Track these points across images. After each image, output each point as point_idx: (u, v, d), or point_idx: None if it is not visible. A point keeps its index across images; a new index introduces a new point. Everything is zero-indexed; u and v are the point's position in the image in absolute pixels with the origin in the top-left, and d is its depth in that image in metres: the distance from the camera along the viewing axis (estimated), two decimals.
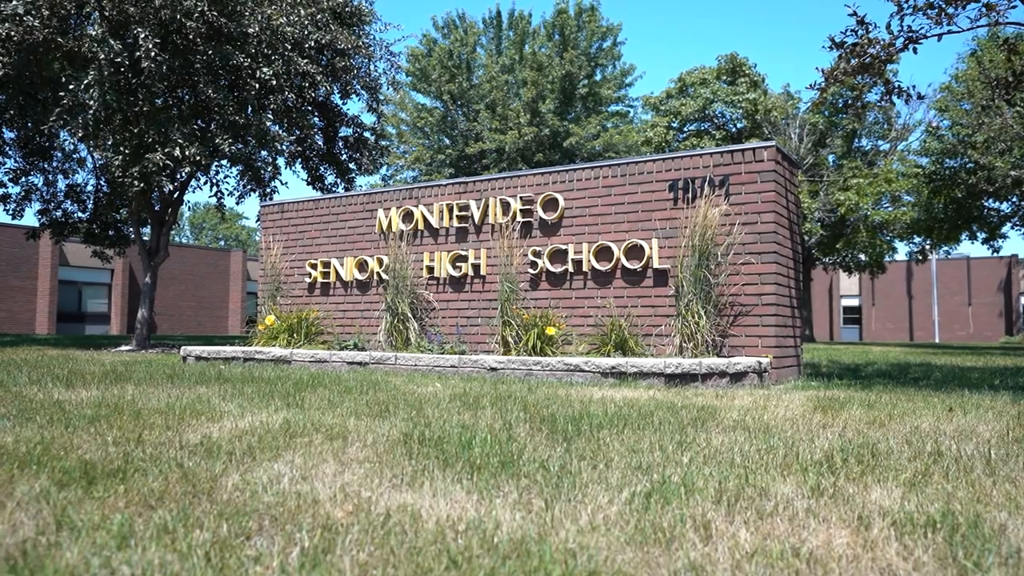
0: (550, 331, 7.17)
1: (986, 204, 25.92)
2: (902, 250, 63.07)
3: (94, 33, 11.13)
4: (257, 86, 12.08)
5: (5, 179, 15.43)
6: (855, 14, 7.49)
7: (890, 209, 26.93)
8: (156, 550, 1.60)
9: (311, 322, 8.93)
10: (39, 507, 1.93)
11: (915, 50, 7.46)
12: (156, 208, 14.46)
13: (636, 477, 2.35)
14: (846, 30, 7.55)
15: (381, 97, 15.01)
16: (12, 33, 11.04)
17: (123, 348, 13.29)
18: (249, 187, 14.31)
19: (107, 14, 11.32)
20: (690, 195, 6.98)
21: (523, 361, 6.57)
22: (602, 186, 7.49)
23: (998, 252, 27.24)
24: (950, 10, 7.18)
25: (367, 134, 15.50)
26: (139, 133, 11.80)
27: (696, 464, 2.55)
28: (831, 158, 29.39)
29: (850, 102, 26.44)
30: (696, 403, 4.37)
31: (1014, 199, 25.19)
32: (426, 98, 31.02)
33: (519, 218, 7.87)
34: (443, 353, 7.48)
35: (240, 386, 5.14)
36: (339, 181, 15.42)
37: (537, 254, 7.74)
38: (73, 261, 31.18)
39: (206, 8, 11.23)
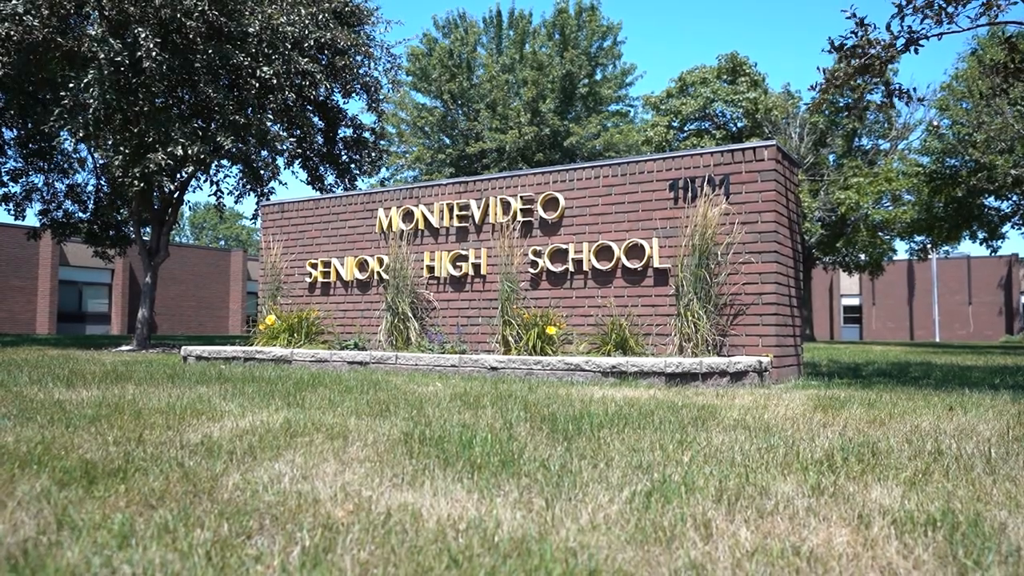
0: (550, 330, 7.17)
1: (986, 203, 25.91)
2: (902, 249, 63.02)
3: (94, 33, 11.14)
4: (257, 85, 12.08)
5: (6, 178, 15.45)
6: (854, 15, 7.49)
7: (890, 208, 26.93)
8: (157, 549, 1.60)
9: (311, 322, 8.93)
10: (40, 506, 1.93)
11: (916, 51, 7.45)
12: (156, 208, 14.47)
13: (637, 476, 2.35)
14: (846, 32, 7.54)
15: (381, 97, 15.00)
16: (12, 33, 11.05)
17: (124, 348, 13.30)
18: (248, 186, 14.32)
19: (107, 13, 11.33)
20: (690, 194, 6.98)
21: (524, 360, 6.57)
22: (602, 185, 7.49)
23: (996, 252, 27.24)
24: (950, 9, 7.18)
25: (367, 134, 15.50)
26: (139, 133, 11.81)
27: (696, 463, 2.55)
28: (831, 157, 29.40)
29: (851, 103, 26.46)
30: (696, 402, 4.37)
31: (1014, 198, 25.18)
32: (426, 98, 31.02)
33: (519, 217, 7.88)
34: (444, 353, 7.49)
35: (241, 386, 5.14)
36: (339, 181, 15.42)
37: (537, 253, 7.74)
38: (73, 261, 31.20)
39: (206, 7, 11.23)
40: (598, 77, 30.58)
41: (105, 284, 33.25)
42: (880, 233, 28.03)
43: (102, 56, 10.86)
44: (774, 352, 6.44)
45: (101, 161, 14.33)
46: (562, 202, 7.66)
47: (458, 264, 8.23)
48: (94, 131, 11.57)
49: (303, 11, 12.49)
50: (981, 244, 26.78)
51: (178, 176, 13.68)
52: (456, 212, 8.30)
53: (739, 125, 29.65)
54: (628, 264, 7.23)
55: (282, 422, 3.38)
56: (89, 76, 10.97)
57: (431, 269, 8.39)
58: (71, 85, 11.27)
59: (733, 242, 6.68)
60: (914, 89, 7.91)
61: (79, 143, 12.69)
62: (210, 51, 11.57)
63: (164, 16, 11.09)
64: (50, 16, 11.26)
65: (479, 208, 8.16)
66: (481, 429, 3.20)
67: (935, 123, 25.13)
